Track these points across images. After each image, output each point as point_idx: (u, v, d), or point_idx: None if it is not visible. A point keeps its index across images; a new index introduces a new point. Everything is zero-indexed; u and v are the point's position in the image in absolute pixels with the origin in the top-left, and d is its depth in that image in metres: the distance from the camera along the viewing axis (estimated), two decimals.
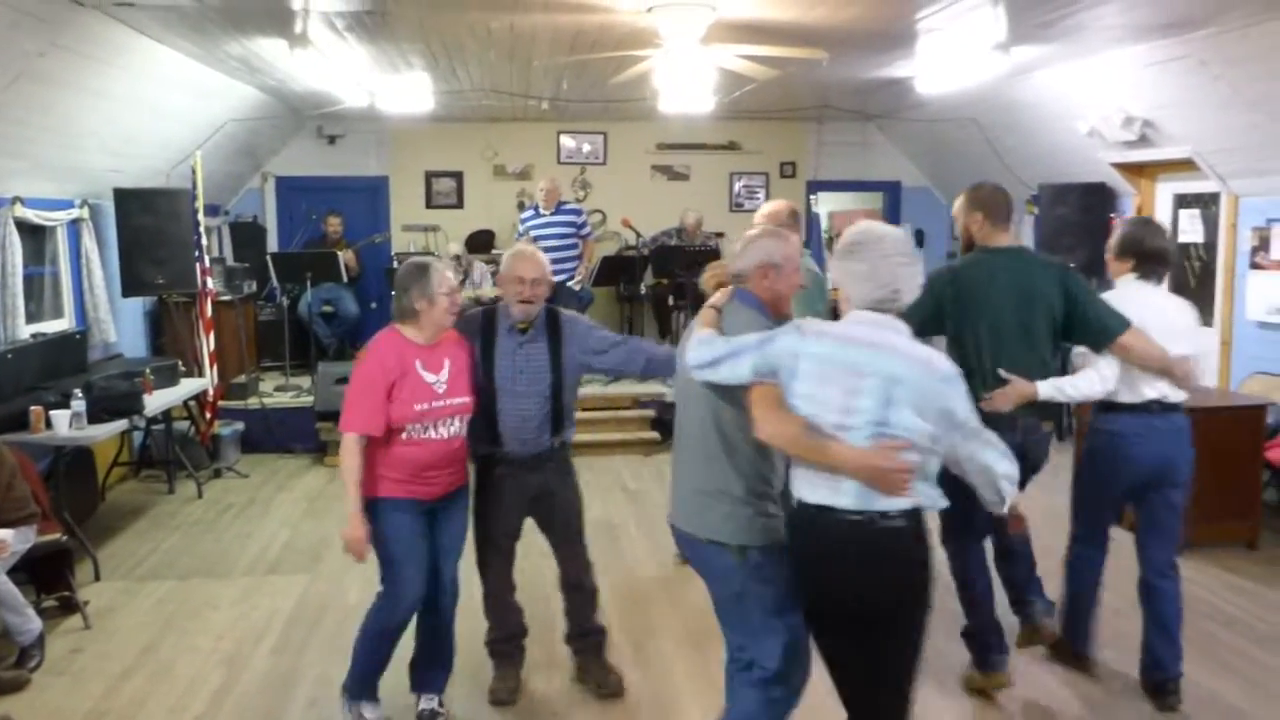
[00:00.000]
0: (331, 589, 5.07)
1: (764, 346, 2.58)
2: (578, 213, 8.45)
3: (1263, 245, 6.27)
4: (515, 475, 3.71)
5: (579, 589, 3.94)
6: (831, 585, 2.52)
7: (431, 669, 3.70)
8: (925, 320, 3.47)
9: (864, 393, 2.44)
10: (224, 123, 7.74)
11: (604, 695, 3.91)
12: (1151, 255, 3.73)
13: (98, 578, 5.27)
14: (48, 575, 4.76)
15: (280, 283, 8.87)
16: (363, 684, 3.60)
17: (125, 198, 6.84)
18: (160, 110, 6.68)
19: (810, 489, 2.52)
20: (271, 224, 10.15)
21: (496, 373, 3.62)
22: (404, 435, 3.37)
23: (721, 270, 2.96)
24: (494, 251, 9.87)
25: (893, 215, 10.90)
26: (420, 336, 3.43)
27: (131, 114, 6.38)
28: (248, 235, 9.67)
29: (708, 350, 2.68)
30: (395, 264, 9.66)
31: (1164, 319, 3.65)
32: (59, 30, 4.91)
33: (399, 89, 7.48)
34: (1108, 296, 3.71)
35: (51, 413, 5.20)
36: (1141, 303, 3.64)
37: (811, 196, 8.24)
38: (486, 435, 3.67)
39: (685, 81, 5.75)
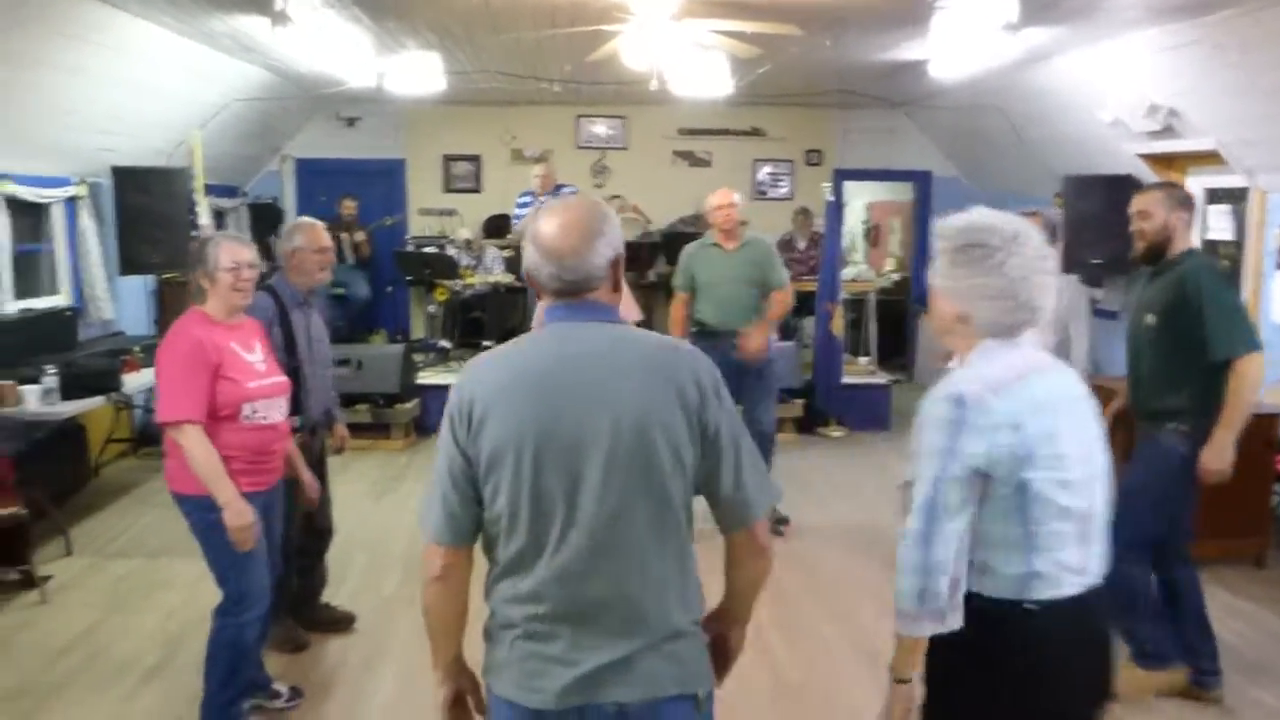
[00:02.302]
0: None
1: (958, 449, 1.83)
2: (575, 193, 8.26)
3: None
4: (309, 444, 3.96)
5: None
6: (1104, 673, 2.06)
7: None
8: None
9: (1096, 424, 1.98)
10: (228, 102, 7.71)
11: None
12: None
13: (69, 553, 5.29)
14: (6, 549, 4.78)
15: None
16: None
17: (123, 176, 6.85)
18: (150, 88, 6.62)
19: (1054, 582, 1.91)
20: (290, 206, 10.16)
21: (299, 347, 3.88)
22: (242, 418, 3.18)
23: None
24: (509, 236, 9.77)
25: (924, 207, 10.56)
26: (219, 315, 3.26)
27: (115, 91, 6.31)
28: (266, 217, 9.69)
29: (937, 543, 1.83)
30: (409, 247, 9.64)
31: None
32: (23, 4, 4.85)
33: (406, 69, 7.37)
34: None
35: (21, 388, 5.22)
36: None
37: (824, 185, 7.95)
38: (290, 410, 3.63)
39: (668, 62, 5.55)
